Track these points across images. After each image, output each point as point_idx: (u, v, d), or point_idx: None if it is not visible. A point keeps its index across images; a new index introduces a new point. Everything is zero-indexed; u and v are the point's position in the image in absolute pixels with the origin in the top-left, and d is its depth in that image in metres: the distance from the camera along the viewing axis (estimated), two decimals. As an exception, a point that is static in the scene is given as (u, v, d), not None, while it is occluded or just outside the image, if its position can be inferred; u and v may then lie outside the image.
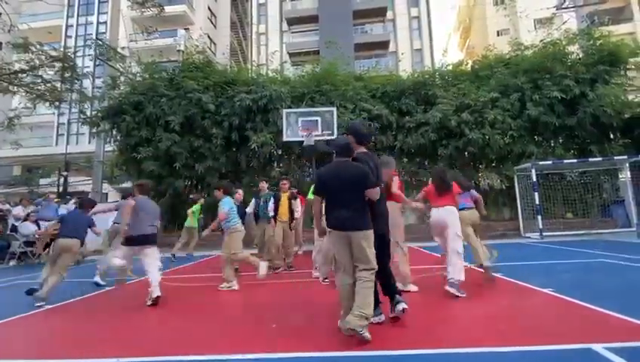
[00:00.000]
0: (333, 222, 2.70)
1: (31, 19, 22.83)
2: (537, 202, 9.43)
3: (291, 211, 5.75)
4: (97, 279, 5.01)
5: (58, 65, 12.26)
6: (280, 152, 11.45)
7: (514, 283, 4.12)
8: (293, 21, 29.65)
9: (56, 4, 22.76)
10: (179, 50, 14.28)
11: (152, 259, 4.05)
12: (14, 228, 8.65)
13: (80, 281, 5.48)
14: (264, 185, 6.24)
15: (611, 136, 11.01)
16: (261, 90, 10.71)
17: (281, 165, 11.66)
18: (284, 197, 5.70)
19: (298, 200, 5.84)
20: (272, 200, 5.68)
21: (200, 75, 11.39)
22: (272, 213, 5.61)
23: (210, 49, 22.07)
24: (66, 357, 2.47)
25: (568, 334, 2.47)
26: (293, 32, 30.07)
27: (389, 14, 29.10)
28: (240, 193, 5.75)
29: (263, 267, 4.67)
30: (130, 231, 4.03)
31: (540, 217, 9.34)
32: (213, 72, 11.85)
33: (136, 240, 4.05)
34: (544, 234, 9.17)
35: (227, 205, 4.60)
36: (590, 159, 9.90)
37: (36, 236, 8.43)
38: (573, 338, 2.38)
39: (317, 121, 9.97)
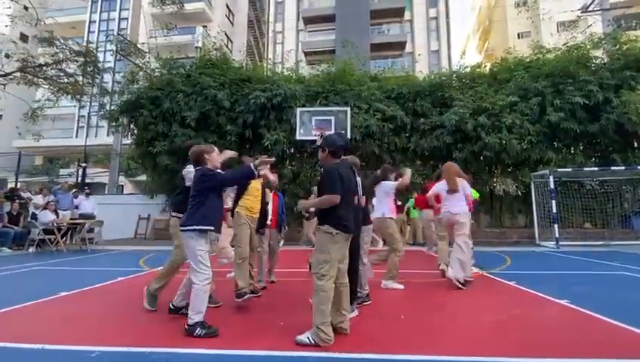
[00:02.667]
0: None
1: (56, 14, 23.56)
2: (554, 210, 9.16)
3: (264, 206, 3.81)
4: None
5: (81, 59, 12.61)
6: (292, 151, 11.48)
7: (528, 292, 4.02)
8: (309, 20, 29.69)
9: (81, -1, 23.44)
10: (196, 47, 14.48)
11: None
12: (35, 216, 8.95)
13: (98, 270, 5.62)
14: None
15: (635, 144, 10.61)
16: (276, 89, 10.74)
17: (293, 163, 11.69)
18: (256, 183, 3.71)
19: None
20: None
21: (216, 72, 11.51)
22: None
23: (226, 46, 22.29)
24: (76, 343, 2.53)
25: (584, 348, 2.39)
26: (309, 31, 30.12)
27: (407, 15, 28.80)
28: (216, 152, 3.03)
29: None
30: None
31: (556, 226, 9.07)
32: (229, 69, 11.95)
33: None
34: (560, 243, 8.91)
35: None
36: (612, 168, 9.56)
37: (54, 224, 8.69)
38: (589, 352, 2.30)
39: (331, 120, 9.97)
